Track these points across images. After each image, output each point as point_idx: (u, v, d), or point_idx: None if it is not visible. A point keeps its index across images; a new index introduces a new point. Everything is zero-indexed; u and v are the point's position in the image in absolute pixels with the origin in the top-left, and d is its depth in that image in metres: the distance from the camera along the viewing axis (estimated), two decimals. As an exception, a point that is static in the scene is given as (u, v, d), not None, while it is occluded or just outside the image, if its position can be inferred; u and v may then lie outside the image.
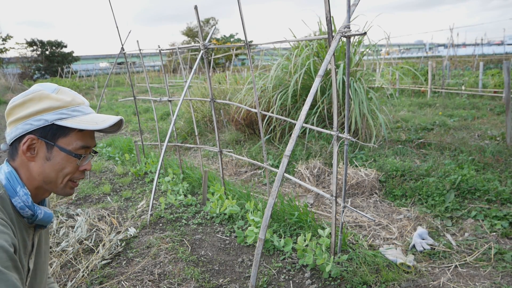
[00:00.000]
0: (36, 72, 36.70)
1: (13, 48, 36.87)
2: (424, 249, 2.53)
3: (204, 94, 6.83)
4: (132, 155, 5.35)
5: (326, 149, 4.47)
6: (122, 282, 2.37)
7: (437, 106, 7.96)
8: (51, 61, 36.65)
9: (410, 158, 4.34)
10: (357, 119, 4.52)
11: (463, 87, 9.67)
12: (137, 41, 4.31)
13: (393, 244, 2.66)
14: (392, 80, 11.13)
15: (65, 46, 38.53)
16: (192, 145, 4.04)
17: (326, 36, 2.01)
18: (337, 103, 2.12)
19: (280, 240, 2.63)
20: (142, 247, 2.81)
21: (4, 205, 0.98)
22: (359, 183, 3.63)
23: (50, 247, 2.79)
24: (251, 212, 2.91)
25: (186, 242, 2.85)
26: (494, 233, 2.68)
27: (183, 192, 3.81)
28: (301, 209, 2.93)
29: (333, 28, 2.08)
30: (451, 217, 2.97)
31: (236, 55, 20.60)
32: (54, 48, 37.60)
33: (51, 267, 2.52)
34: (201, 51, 3.07)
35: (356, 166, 3.96)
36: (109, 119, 1.06)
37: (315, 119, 4.72)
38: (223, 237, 2.93)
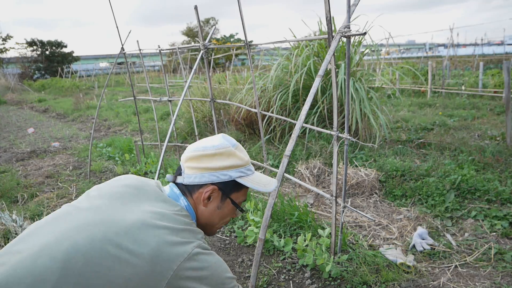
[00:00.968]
0: (36, 72, 36.69)
1: (13, 48, 36.91)
2: (424, 249, 2.53)
3: (204, 94, 6.83)
4: (132, 155, 5.35)
5: (326, 149, 4.47)
6: (122, 282, 2.37)
7: (437, 106, 7.96)
8: (51, 61, 36.64)
9: (410, 158, 4.34)
10: (358, 119, 4.52)
11: (463, 87, 9.66)
12: (137, 41, 4.31)
13: (393, 244, 2.66)
14: (392, 80, 11.13)
15: (65, 46, 38.53)
16: (192, 145, 4.04)
17: (326, 36, 2.01)
18: (337, 103, 2.12)
19: (280, 240, 2.63)
20: (142, 247, 2.81)
21: None
22: (359, 183, 3.63)
23: None
24: (251, 212, 2.91)
25: (186, 242, 2.85)
26: (494, 233, 2.68)
27: (183, 192, 3.80)
28: (301, 209, 2.93)
29: (333, 28, 2.08)
30: (451, 217, 2.97)
31: (236, 55, 20.62)
32: (54, 48, 37.59)
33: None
34: (201, 51, 3.07)
35: (356, 166, 3.96)
36: (272, 183, 1.20)
37: (315, 119, 4.72)
38: (223, 237, 2.93)
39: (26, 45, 36.36)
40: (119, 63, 26.27)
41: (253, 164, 4.69)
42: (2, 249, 0.95)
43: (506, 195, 3.09)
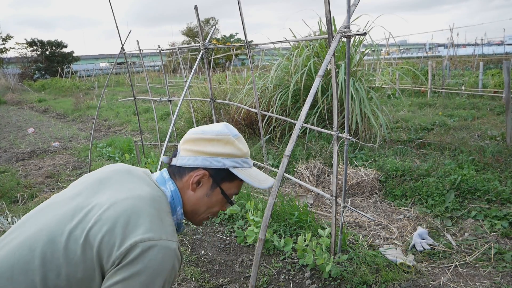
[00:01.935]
0: (36, 72, 36.68)
1: (13, 48, 36.84)
2: (424, 249, 2.53)
3: (204, 94, 6.83)
4: (132, 155, 5.35)
5: (326, 149, 4.47)
6: (122, 282, 2.37)
7: (437, 106, 7.95)
8: (51, 61, 36.64)
9: (410, 158, 4.34)
10: (358, 119, 4.52)
11: (463, 87, 9.66)
12: (137, 41, 4.31)
13: (393, 244, 2.66)
14: (393, 80, 11.13)
15: (65, 46, 38.54)
16: (192, 145, 4.03)
17: (326, 36, 2.01)
18: (337, 103, 2.13)
19: (280, 240, 2.63)
20: (142, 247, 2.81)
21: None
22: (359, 183, 3.63)
23: None
24: (251, 212, 2.91)
25: (186, 242, 2.85)
26: (494, 233, 2.68)
27: (183, 192, 3.80)
28: (301, 209, 2.93)
29: (333, 28, 2.08)
30: (451, 217, 2.97)
31: (236, 55, 20.61)
32: (54, 48, 37.59)
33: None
34: (201, 51, 3.07)
35: (356, 166, 3.96)
36: (268, 180, 1.17)
37: (315, 119, 4.72)
38: (223, 237, 2.93)
39: (26, 45, 36.37)
40: (119, 63, 26.29)
41: (254, 164, 4.70)
42: None
43: (506, 195, 3.09)
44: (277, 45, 5.75)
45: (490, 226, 2.76)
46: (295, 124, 2.04)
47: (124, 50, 4.36)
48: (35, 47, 36.79)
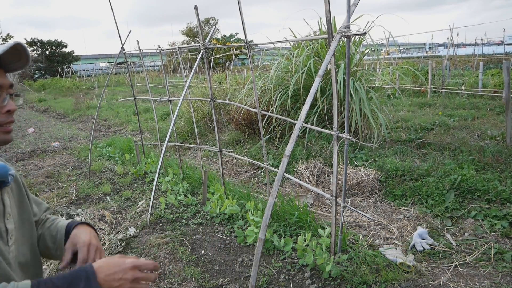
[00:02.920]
0: (36, 72, 36.68)
1: (-1, 44, 36.80)
2: (424, 249, 2.53)
3: (204, 94, 6.83)
4: (132, 155, 5.36)
5: (326, 149, 4.47)
6: (122, 282, 2.37)
7: (437, 106, 7.95)
8: (51, 61, 36.64)
9: (410, 158, 4.34)
10: (357, 119, 4.51)
11: (463, 87, 9.66)
12: (137, 41, 4.31)
13: (393, 244, 2.67)
14: (393, 80, 11.13)
15: (65, 46, 38.56)
16: (192, 145, 4.04)
17: (326, 36, 2.01)
18: (337, 103, 2.13)
19: (280, 240, 2.63)
20: (142, 247, 2.81)
21: None
22: (359, 183, 3.63)
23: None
24: (251, 212, 2.91)
25: (186, 242, 2.85)
26: (494, 233, 2.68)
27: (183, 192, 3.81)
28: (301, 209, 2.93)
29: (333, 28, 2.08)
30: (451, 217, 2.97)
31: (236, 55, 20.61)
32: (54, 48, 37.61)
33: (49, 267, 2.52)
34: (201, 51, 3.07)
35: (356, 166, 3.96)
36: (5, 44, 0.92)
37: (315, 119, 4.72)
38: (223, 237, 2.93)
39: (27, 45, 36.31)
40: (119, 63, 26.27)
41: (253, 164, 4.71)
42: None
43: (506, 195, 3.09)
44: (277, 45, 5.75)
45: (490, 226, 2.76)
46: (295, 124, 2.04)
47: (124, 50, 4.36)
48: (35, 47, 36.81)
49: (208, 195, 3.52)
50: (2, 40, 33.80)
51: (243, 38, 2.87)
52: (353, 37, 3.16)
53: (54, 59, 36.88)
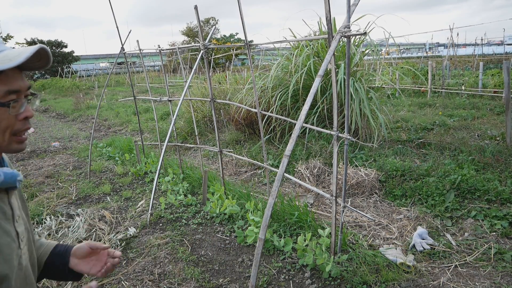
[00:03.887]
0: (36, 72, 36.68)
1: (13, 48, 36.84)
2: (424, 249, 2.53)
3: (204, 94, 6.83)
4: (132, 155, 5.36)
5: (326, 149, 4.47)
6: (122, 282, 2.37)
7: (437, 106, 7.95)
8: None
9: (410, 158, 4.34)
10: (357, 119, 4.52)
11: (463, 87, 9.66)
12: (137, 41, 4.31)
13: (393, 244, 2.67)
14: (393, 80, 11.13)
15: (65, 46, 38.54)
16: (192, 145, 4.04)
17: (326, 36, 2.01)
18: (337, 103, 2.13)
19: (280, 240, 2.63)
20: (142, 247, 2.81)
21: None
22: (359, 183, 3.63)
23: None
24: (251, 212, 2.91)
25: (186, 242, 2.85)
26: (494, 233, 2.68)
27: (183, 192, 3.81)
28: (301, 209, 2.93)
29: (333, 28, 2.09)
30: (451, 217, 2.97)
31: (236, 55, 20.60)
32: (54, 48, 37.59)
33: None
34: (201, 51, 3.07)
35: (356, 166, 3.96)
36: (25, 51, 0.86)
37: (315, 119, 4.72)
38: (223, 237, 2.93)
39: (27, 44, 36.33)
40: (119, 63, 26.30)
41: (253, 164, 4.71)
42: None
43: (506, 195, 3.09)
44: (277, 45, 5.75)
45: (490, 226, 2.76)
46: (295, 124, 2.04)
47: (124, 50, 4.36)
48: (35, 47, 36.78)
49: (208, 195, 3.52)
50: (2, 40, 33.79)
51: (243, 38, 2.87)
52: (353, 37, 3.17)
53: (54, 59, 36.77)
